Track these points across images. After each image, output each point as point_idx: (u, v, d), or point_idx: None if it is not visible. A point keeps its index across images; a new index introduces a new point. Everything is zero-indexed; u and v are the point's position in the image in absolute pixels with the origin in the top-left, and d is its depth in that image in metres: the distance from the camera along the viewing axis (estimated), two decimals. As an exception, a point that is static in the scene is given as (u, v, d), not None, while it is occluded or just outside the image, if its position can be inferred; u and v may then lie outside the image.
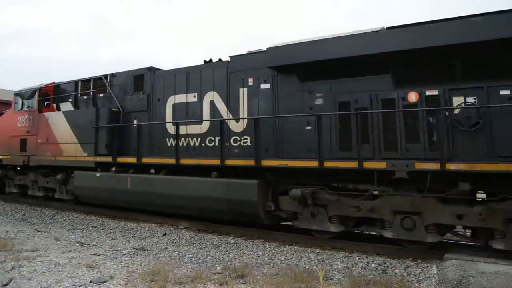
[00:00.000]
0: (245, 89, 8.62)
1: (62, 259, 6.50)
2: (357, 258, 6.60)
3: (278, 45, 7.87)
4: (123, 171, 9.97)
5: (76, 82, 12.00)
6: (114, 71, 11.33)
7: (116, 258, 6.67)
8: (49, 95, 12.59)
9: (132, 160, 9.79)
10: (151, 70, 10.39)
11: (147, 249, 7.40)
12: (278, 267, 6.25)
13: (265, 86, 8.39)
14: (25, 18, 77.81)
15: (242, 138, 8.50)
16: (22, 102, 12.99)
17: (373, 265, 6.21)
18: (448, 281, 5.09)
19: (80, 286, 5.13)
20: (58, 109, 12.22)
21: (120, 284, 5.24)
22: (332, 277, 5.73)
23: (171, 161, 8.96)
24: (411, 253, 6.64)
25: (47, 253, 6.91)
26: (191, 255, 6.96)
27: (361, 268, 6.12)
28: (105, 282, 5.29)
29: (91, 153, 10.56)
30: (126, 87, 10.79)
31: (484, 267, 5.21)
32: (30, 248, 7.20)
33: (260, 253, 7.06)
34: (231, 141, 8.59)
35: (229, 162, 8.13)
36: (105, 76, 11.27)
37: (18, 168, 13.31)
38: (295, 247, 7.37)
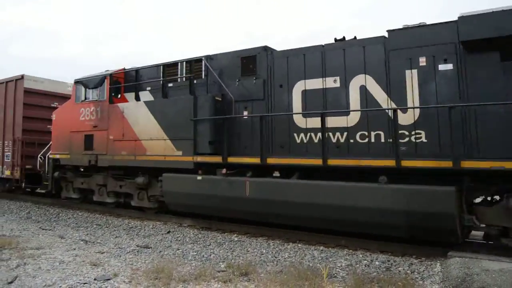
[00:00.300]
0: (414, 71, 6.95)
1: (66, 257, 6.53)
2: (361, 255, 6.59)
3: (476, 13, 6.31)
4: (234, 174, 8.25)
5: (158, 66, 10.14)
6: (210, 53, 9.48)
7: (120, 256, 6.70)
8: (120, 83, 10.91)
9: (252, 160, 8.00)
10: (267, 50, 8.64)
11: (151, 247, 7.43)
12: (281, 264, 6.25)
13: (445, 66, 6.72)
14: (25, 17, 77.98)
15: (413, 133, 6.85)
16: (86, 92, 11.14)
17: (377, 263, 6.21)
18: (452, 278, 5.08)
19: (84, 283, 5.15)
20: (137, 98, 10.25)
21: (124, 281, 5.26)
22: (335, 274, 5.73)
23: (314, 161, 7.28)
24: (415, 251, 6.64)
25: (52, 251, 6.95)
26: (195, 253, 6.98)
27: (365, 265, 6.12)
28: (109, 279, 5.31)
29: (188, 152, 8.78)
30: (230, 71, 8.98)
31: (488, 265, 5.19)
32: (34, 246, 7.24)
33: (264, 251, 7.07)
34: None
35: (408, 163, 6.42)
36: (200, 59, 9.48)
37: (82, 170, 11.53)
38: (299, 245, 7.37)
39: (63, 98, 14.10)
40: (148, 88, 10.32)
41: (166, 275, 5.32)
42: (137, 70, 10.53)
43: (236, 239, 7.98)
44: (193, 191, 8.57)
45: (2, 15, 72.44)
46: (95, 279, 5.30)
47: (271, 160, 7.84)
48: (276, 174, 8.02)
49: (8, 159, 13.98)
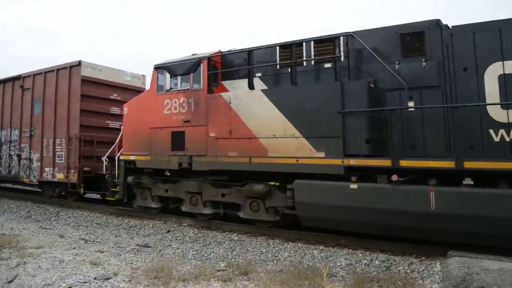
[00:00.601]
0: None
1: (66, 256, 6.53)
2: (360, 255, 6.60)
3: None
4: (407, 182, 6.49)
5: (272, 47, 8.30)
6: (355, 29, 7.51)
7: (120, 255, 6.70)
8: (217, 68, 9.03)
9: (439, 164, 6.27)
10: (440, 24, 6.96)
11: (151, 246, 7.43)
12: (281, 264, 6.26)
13: None
14: (25, 16, 78.25)
15: None
16: (171, 80, 9.28)
17: (376, 262, 6.21)
18: (452, 278, 5.08)
19: (84, 283, 5.15)
20: (251, 86, 8.14)
21: (124, 280, 5.26)
22: (335, 274, 5.73)
23: None
24: (415, 250, 6.64)
25: (52, 250, 6.95)
26: (195, 252, 6.98)
27: (365, 265, 6.12)
28: (109, 279, 5.31)
29: (334, 153, 6.98)
30: (384, 51, 7.20)
31: (488, 264, 5.19)
32: (34, 245, 7.24)
33: (264, 250, 7.07)
34: None
35: None
36: (335, 37, 7.54)
37: (167, 174, 9.72)
38: (299, 244, 7.38)
39: (123, 89, 12.91)
40: (258, 74, 8.55)
41: (166, 274, 5.32)
42: (249, 52, 8.30)
43: (236, 238, 7.98)
44: (343, 203, 6.80)
45: (2, 14, 72.51)
46: (95, 278, 5.30)
47: (471, 164, 5.99)
48: (468, 181, 6.16)
49: (61, 159, 12.04)
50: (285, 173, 7.57)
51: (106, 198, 11.07)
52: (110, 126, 12.50)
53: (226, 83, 8.99)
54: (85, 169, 11.66)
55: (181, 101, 8.93)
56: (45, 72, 12.88)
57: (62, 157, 12.06)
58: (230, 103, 8.20)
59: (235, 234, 8.27)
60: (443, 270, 5.58)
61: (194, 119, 8.71)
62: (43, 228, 9.20)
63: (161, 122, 9.22)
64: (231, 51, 8.92)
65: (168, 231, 8.69)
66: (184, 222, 9.47)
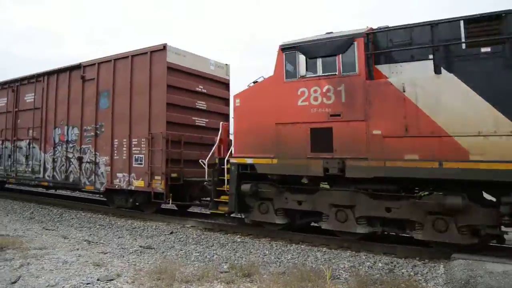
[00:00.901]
0: None
1: (69, 257, 6.54)
2: (364, 257, 6.58)
3: None
4: None
5: (454, 22, 6.59)
6: None
7: (123, 256, 6.71)
8: (371, 49, 7.31)
9: None
10: None
11: (154, 248, 7.43)
12: (284, 266, 6.24)
13: None
14: (28, 17, 79.02)
15: None
16: (307, 63, 7.50)
17: (380, 265, 6.19)
18: (456, 280, 5.06)
19: (87, 284, 5.16)
20: (437, 70, 6.56)
21: (127, 282, 5.26)
22: (338, 276, 5.71)
23: None
24: (419, 253, 6.61)
25: (55, 251, 6.96)
26: (198, 254, 6.98)
27: (368, 267, 6.11)
28: (112, 280, 5.31)
29: None
30: None
31: (492, 267, 5.16)
32: (38, 246, 7.26)
33: (267, 252, 7.06)
34: None
35: None
36: None
37: (305, 182, 7.89)
38: (302, 246, 7.37)
39: (207, 79, 11.21)
40: (430, 56, 6.80)
41: (168, 276, 5.32)
42: (431, 26, 6.77)
43: (239, 240, 7.98)
44: None
45: (5, 15, 73.14)
46: (98, 280, 5.31)
47: None
48: None
49: (141, 163, 10.15)
50: (478, 182, 6.13)
51: (210, 211, 9.36)
52: (197, 124, 10.82)
53: (383, 68, 7.18)
54: (172, 175, 9.92)
55: (324, 90, 7.27)
56: (115, 60, 11.00)
57: (141, 160, 10.15)
58: (404, 91, 6.58)
59: (238, 236, 8.27)
60: (446, 273, 5.56)
61: (346, 112, 7.05)
62: (46, 229, 9.23)
63: (294, 116, 7.55)
64: (389, 27, 7.27)
65: (171, 233, 8.69)
66: (187, 223, 9.47)
